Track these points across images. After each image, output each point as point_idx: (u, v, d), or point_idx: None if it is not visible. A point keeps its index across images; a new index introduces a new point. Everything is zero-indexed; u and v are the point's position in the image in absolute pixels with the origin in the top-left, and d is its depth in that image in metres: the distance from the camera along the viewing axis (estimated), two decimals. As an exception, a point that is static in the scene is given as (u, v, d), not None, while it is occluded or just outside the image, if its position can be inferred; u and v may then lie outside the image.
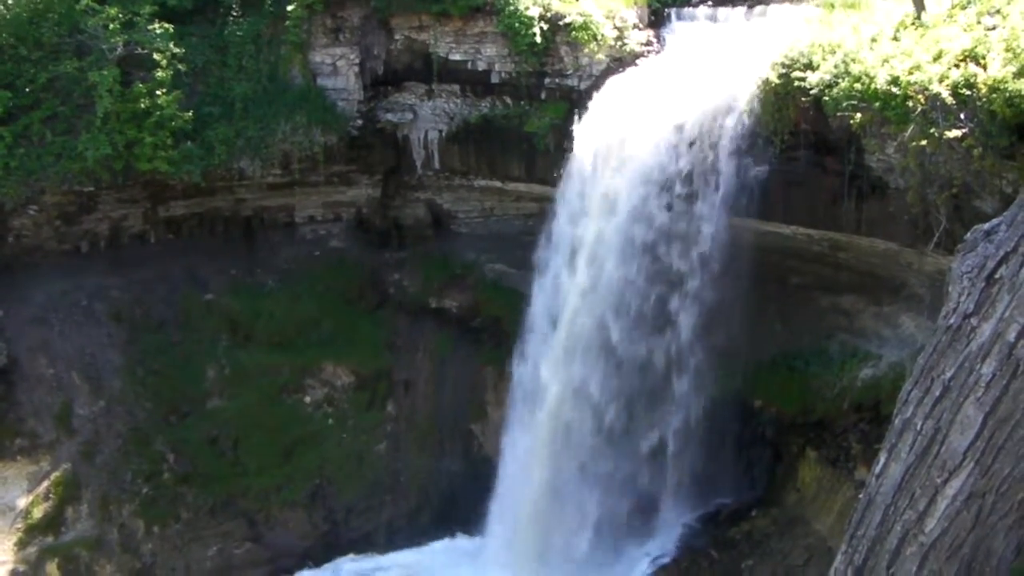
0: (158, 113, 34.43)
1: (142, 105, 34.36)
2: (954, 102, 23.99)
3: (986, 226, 5.67)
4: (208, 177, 36.48)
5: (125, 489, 34.74)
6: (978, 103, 23.62)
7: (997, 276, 5.40)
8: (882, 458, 6.07)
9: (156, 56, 34.63)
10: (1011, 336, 5.32)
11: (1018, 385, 5.38)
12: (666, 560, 33.46)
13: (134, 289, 37.36)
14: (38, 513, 33.34)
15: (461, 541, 36.58)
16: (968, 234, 5.73)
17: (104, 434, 35.03)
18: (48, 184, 34.78)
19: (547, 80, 35.49)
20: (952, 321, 5.61)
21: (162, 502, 34.97)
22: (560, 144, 32.94)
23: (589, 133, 31.85)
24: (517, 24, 34.75)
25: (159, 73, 34.56)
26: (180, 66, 35.05)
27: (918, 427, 5.77)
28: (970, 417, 5.53)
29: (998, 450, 5.53)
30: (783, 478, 33.95)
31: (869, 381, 31.73)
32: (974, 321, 5.48)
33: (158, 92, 34.44)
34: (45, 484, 33.79)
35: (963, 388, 5.54)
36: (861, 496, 6.23)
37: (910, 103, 24.87)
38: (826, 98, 27.04)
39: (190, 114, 34.93)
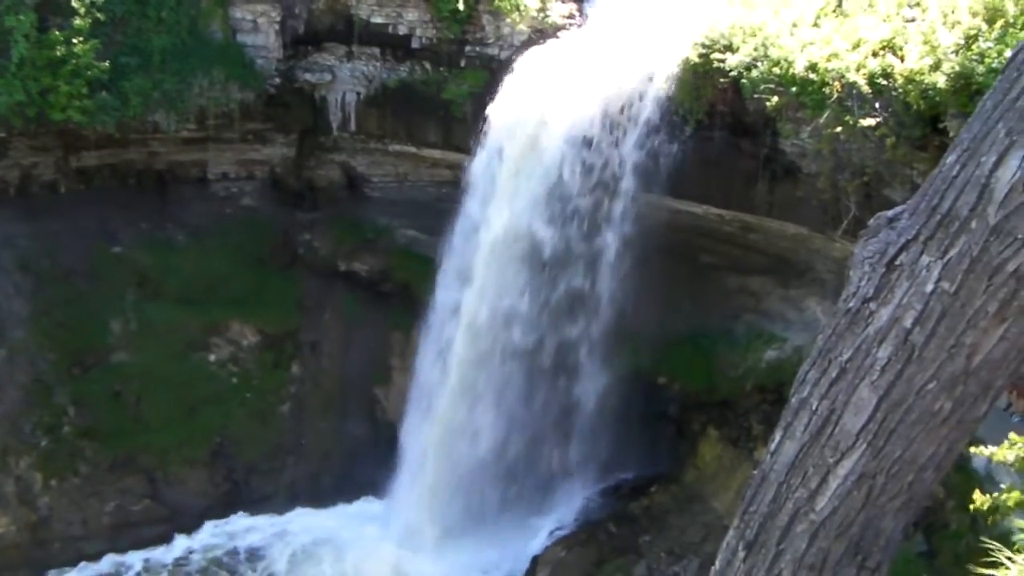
0: (74, 61, 33.85)
1: (58, 53, 33.76)
2: (870, 91, 24.35)
3: (889, 213, 5.75)
4: (122, 129, 35.98)
5: (24, 441, 34.32)
6: (893, 93, 23.98)
7: (897, 263, 5.49)
8: (777, 436, 6.14)
9: (75, 3, 34.01)
10: (908, 322, 5.40)
11: (912, 370, 5.47)
12: (564, 532, 33.70)
13: (42, 239, 36.74)
14: (-67, 463, 33.01)
15: (362, 504, 36.59)
16: (872, 220, 5.81)
17: (5, 384, 34.55)
18: (-41, 129, 34.26)
19: (468, 48, 35.41)
20: (851, 305, 5.69)
21: (61, 455, 34.60)
22: (477, 113, 32.84)
23: (506, 104, 31.80)
24: (440, -11, 34.67)
25: (77, 21, 33.96)
26: (99, 15, 34.44)
27: (813, 407, 5.85)
28: (864, 399, 5.62)
29: (890, 433, 5.62)
30: (684, 455, 34.27)
31: (773, 363, 32.12)
32: (873, 306, 5.56)
33: (75, 40, 33.84)
34: (-58, 434, 33.43)
35: (859, 371, 5.62)
36: (755, 473, 6.30)
37: (827, 90, 25.20)
38: (744, 80, 27.27)
39: (107, 64, 34.33)
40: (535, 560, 32.73)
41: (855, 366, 5.63)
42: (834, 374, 5.74)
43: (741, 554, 6.40)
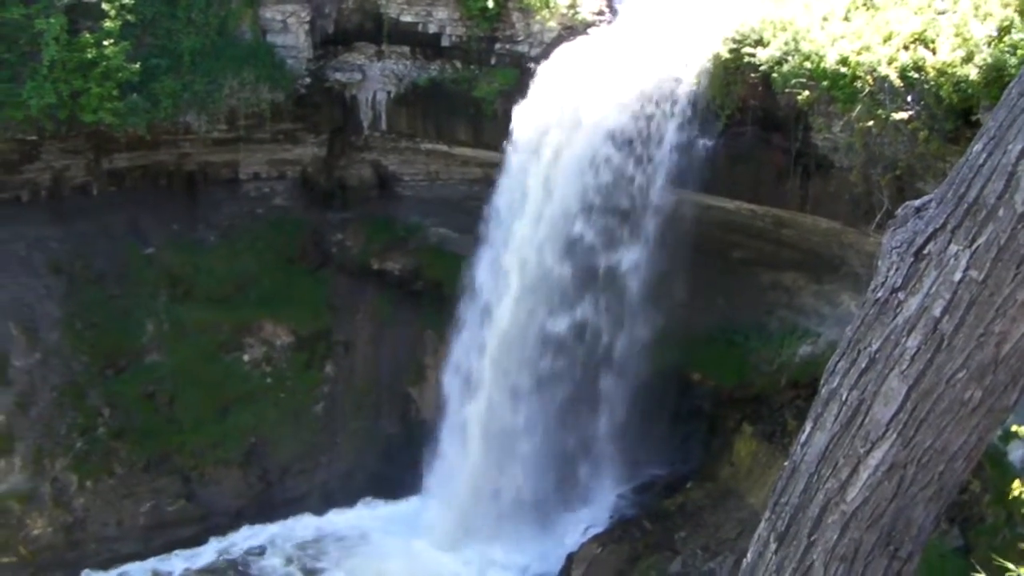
0: (105, 63, 33.89)
1: (89, 55, 33.83)
2: (902, 84, 24.26)
3: (917, 202, 5.74)
4: (153, 130, 36.00)
5: (59, 443, 34.43)
6: (925, 86, 23.90)
7: (925, 252, 5.47)
8: (807, 427, 6.14)
9: (105, 6, 34.08)
10: (936, 311, 5.39)
11: (942, 359, 5.45)
12: (599, 529, 33.68)
13: (74, 241, 36.86)
14: (-31, 466, 33.17)
15: (396, 504, 36.62)
16: (899, 210, 5.80)
17: (39, 386, 34.69)
18: (-10, 132, 34.41)
19: (498, 46, 35.37)
20: (880, 294, 5.67)
21: (96, 456, 34.69)
22: (508, 110, 32.83)
23: (535, 102, 31.77)
24: (470, -13, 34.67)
25: (107, 23, 34.02)
26: (129, 17, 34.48)
27: (843, 398, 5.84)
28: (894, 389, 5.60)
29: (920, 422, 5.60)
30: (718, 452, 34.23)
31: (807, 358, 32.00)
32: (901, 295, 5.55)
33: (105, 42, 33.88)
34: (-23, 436, 33.58)
35: (888, 360, 5.61)
36: (786, 464, 6.29)
37: (858, 83, 25.13)
38: (775, 75, 27.20)
39: (137, 66, 34.36)
40: (570, 557, 32.72)
41: (884, 356, 5.63)
42: (863, 364, 5.74)
43: (772, 546, 6.41)
